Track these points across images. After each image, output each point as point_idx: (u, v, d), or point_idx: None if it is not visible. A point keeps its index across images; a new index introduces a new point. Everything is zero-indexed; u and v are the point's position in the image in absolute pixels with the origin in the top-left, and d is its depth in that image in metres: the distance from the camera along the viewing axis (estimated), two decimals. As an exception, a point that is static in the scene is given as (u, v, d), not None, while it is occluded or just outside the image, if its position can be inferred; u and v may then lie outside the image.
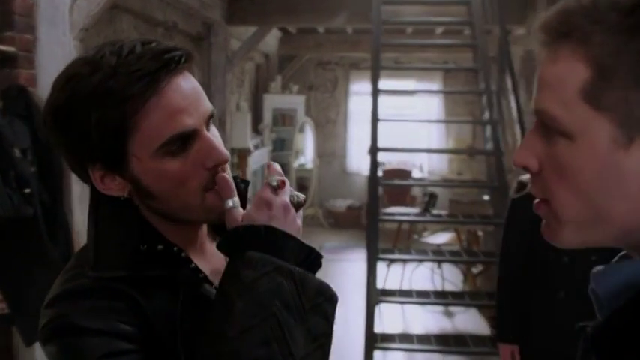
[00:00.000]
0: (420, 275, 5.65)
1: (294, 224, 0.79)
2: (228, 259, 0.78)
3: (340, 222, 8.34)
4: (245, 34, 6.10)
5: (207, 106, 0.82)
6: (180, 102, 0.77)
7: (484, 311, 4.62)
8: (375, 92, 4.29)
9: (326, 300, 0.76)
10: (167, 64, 0.76)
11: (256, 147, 7.03)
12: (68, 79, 0.78)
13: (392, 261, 5.07)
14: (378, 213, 4.12)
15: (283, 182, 0.80)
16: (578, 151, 0.62)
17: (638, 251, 0.66)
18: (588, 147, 0.61)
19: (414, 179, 8.00)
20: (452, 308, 4.98)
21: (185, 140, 0.78)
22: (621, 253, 0.69)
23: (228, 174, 0.83)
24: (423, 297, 3.93)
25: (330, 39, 7.64)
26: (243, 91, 7.36)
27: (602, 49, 0.59)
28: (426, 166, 8.53)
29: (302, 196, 0.82)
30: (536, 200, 0.68)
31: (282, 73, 8.27)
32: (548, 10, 0.65)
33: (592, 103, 0.60)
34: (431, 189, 5.71)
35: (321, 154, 8.73)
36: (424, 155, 8.39)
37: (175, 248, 0.84)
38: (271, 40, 7.40)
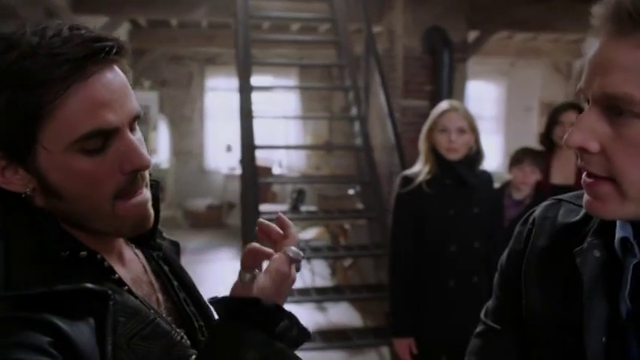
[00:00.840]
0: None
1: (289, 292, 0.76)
2: (219, 318, 0.72)
3: (200, 222, 8.08)
4: (93, 25, 5.60)
5: (134, 106, 0.75)
6: (104, 95, 0.70)
7: (357, 304, 4.73)
8: (248, 88, 4.17)
9: None
10: (96, 52, 0.69)
11: (108, 147, 6.54)
12: None
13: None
14: (259, 212, 4.01)
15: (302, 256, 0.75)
16: None
17: None
18: None
19: (280, 176, 7.99)
20: (324, 303, 5.02)
21: (105, 138, 0.71)
22: (620, 236, 0.72)
23: (146, 183, 0.78)
24: (304, 295, 3.91)
25: (184, 33, 7.31)
26: (90, 87, 6.78)
27: None
28: (285, 162, 8.56)
29: (301, 258, 0.76)
30: (589, 180, 0.70)
31: (132, 68, 7.75)
32: None
33: None
34: (299, 185, 5.72)
35: (177, 152, 8.38)
36: (283, 151, 8.42)
37: (99, 256, 0.74)
38: (120, 32, 6.90)
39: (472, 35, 5.78)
